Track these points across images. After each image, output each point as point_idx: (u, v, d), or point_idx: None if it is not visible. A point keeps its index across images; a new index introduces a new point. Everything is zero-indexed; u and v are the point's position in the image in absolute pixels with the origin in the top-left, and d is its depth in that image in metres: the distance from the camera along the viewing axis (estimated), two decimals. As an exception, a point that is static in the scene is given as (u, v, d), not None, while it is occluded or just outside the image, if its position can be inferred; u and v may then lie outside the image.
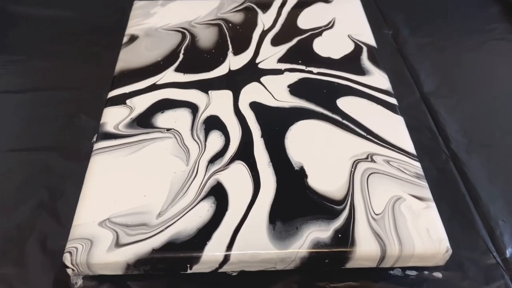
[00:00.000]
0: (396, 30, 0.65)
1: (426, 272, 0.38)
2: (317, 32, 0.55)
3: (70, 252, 0.34)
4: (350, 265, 0.35)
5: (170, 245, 0.34)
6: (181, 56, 0.51)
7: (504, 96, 0.55)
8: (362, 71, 0.50)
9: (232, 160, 0.40)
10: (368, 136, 0.42)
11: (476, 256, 0.39)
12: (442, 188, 0.45)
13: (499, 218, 0.42)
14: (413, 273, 0.38)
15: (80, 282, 0.37)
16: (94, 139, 0.47)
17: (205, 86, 0.48)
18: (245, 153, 0.41)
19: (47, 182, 0.45)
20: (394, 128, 0.44)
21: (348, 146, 0.42)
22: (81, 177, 0.41)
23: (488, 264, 0.39)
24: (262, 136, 0.42)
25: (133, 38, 0.53)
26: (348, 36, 0.54)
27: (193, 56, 0.51)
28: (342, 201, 0.37)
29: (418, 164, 0.40)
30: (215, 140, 0.42)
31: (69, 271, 0.35)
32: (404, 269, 0.38)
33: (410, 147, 0.42)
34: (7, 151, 0.47)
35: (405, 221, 0.36)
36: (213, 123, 0.44)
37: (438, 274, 0.38)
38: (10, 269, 0.38)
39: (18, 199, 0.43)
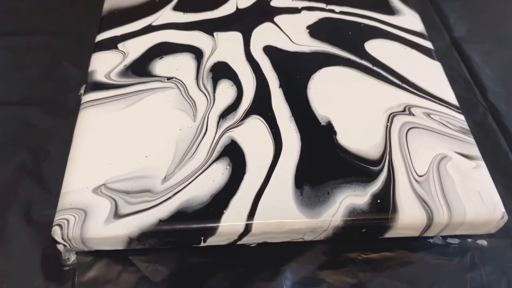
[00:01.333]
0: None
1: (469, 240, 0.33)
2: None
3: (60, 225, 0.28)
4: (389, 234, 0.30)
5: (180, 215, 0.29)
6: (179, -7, 0.43)
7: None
8: (391, 10, 0.43)
9: (247, 114, 0.34)
10: (404, 85, 0.37)
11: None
12: (481, 144, 0.39)
13: (546, 177, 0.38)
14: (455, 241, 0.33)
15: (73, 258, 0.31)
16: (82, 90, 0.41)
17: (209, 27, 0.40)
18: (262, 106, 0.35)
19: (29, 142, 0.38)
20: (432, 75, 0.38)
21: (381, 97, 0.36)
22: (68, 136, 0.35)
23: (539, 230, 0.34)
24: (281, 86, 0.36)
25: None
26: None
27: (193, -8, 0.44)
28: (378, 161, 0.32)
29: (462, 117, 0.35)
30: (226, 90, 0.36)
31: (59, 247, 0.29)
32: (445, 236, 0.33)
33: (452, 98, 0.36)
34: (-22, 105, 0.40)
35: (453, 183, 0.31)
36: (222, 71, 0.37)
37: (483, 242, 0.33)
38: (-12, 244, 0.32)
39: (-5, 161, 0.37)
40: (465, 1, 0.54)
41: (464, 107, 0.42)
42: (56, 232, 0.28)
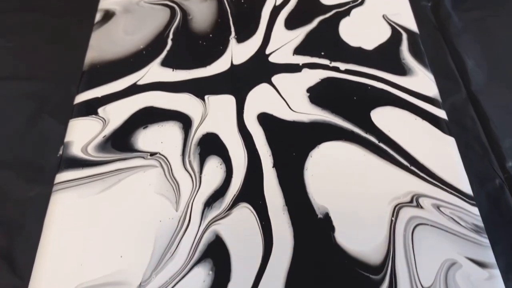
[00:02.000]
0: (436, 0, 0.53)
1: None
2: (344, 10, 0.43)
3: None
4: None
5: (155, 335, 0.26)
6: (169, 42, 0.40)
7: None
8: (402, 69, 0.39)
9: (235, 201, 0.31)
10: (412, 168, 0.33)
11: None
12: (497, 225, 0.36)
13: None
14: None
15: None
16: (61, 151, 0.37)
17: (200, 88, 0.37)
18: (252, 191, 0.31)
19: (1, 212, 0.35)
20: (444, 155, 0.34)
21: (387, 183, 0.32)
22: (44, 206, 0.32)
23: None
24: (274, 165, 0.33)
25: (107, 15, 0.42)
26: (383, 16, 0.42)
27: (185, 42, 0.40)
28: (380, 268, 0.28)
29: (476, 210, 0.31)
30: (213, 170, 0.32)
31: None
32: None
33: (465, 185, 0.32)
34: None
35: (463, 299, 0.27)
36: (211, 145, 0.34)
37: None
38: None
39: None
40: (485, 43, 0.49)
41: (478, 177, 0.39)
42: None
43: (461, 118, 0.43)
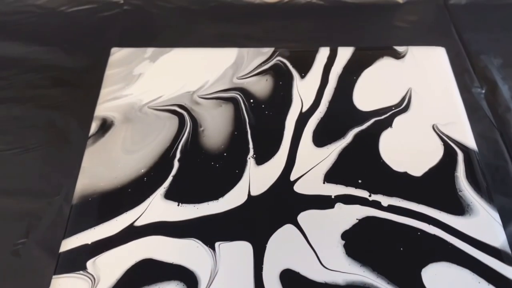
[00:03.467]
0: (492, 87, 0.45)
1: None
2: (385, 118, 0.36)
3: None
4: None
5: None
6: (176, 165, 0.33)
7: None
8: (459, 206, 0.31)
9: None
10: None
11: None
12: None
13: None
14: None
15: None
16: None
17: (210, 232, 0.30)
18: None
19: None
20: None
21: None
22: None
23: None
24: None
25: (105, 126, 0.36)
26: (433, 127, 0.35)
27: (194, 165, 0.33)
28: None
29: None
30: None
31: None
32: None
33: None
34: None
35: None
36: (222, 319, 0.27)
37: None
38: None
39: None
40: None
41: None
42: None
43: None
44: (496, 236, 0.30)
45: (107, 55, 0.41)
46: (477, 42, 0.48)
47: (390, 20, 0.50)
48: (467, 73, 0.46)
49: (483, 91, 0.45)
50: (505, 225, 0.31)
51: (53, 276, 0.29)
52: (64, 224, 0.31)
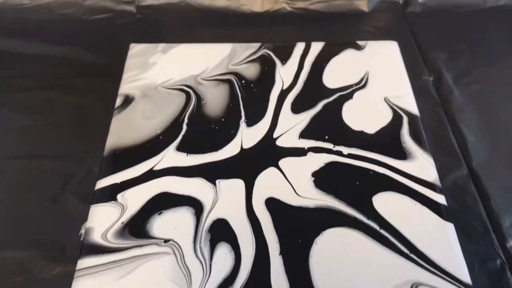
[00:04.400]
0: (438, 75, 0.55)
1: None
2: (347, 93, 0.46)
3: None
4: None
5: None
6: (184, 127, 0.43)
7: None
8: (402, 154, 0.41)
9: (244, 291, 0.33)
10: (412, 255, 0.34)
11: None
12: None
13: None
14: None
15: None
16: (82, 230, 0.40)
17: (212, 173, 0.39)
18: (259, 280, 0.33)
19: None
20: (443, 242, 0.35)
21: (388, 270, 0.34)
22: (66, 286, 0.34)
23: None
24: (281, 253, 0.34)
25: (127, 100, 0.45)
26: (385, 99, 0.45)
27: (199, 127, 0.43)
28: None
29: (475, 301, 0.32)
30: (223, 258, 0.34)
31: None
32: None
33: (464, 273, 0.34)
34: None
35: None
36: (221, 232, 0.36)
37: None
38: None
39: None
40: (486, 118, 0.51)
41: (478, 258, 0.40)
42: None
43: (462, 196, 0.44)
44: (429, 174, 0.40)
45: (122, 53, 0.50)
46: (427, 41, 0.59)
47: (357, 25, 0.61)
48: (419, 65, 0.56)
49: (431, 79, 0.55)
50: (437, 166, 0.40)
51: (91, 205, 0.38)
52: (94, 180, 0.40)
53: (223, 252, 0.35)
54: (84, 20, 0.61)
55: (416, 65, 0.56)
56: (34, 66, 0.56)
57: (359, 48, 0.50)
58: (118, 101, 0.45)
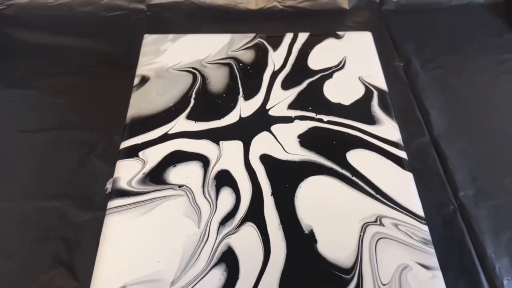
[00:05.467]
0: (407, 62, 0.65)
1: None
2: (328, 73, 0.54)
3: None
4: (357, 336, 0.36)
5: (184, 317, 0.35)
6: (192, 101, 0.51)
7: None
8: (372, 120, 0.50)
9: (243, 221, 0.41)
10: (377, 196, 0.43)
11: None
12: (449, 243, 0.46)
13: (505, 277, 0.43)
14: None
15: None
16: (107, 186, 0.48)
17: (216, 136, 0.48)
18: (255, 214, 0.42)
19: (63, 233, 0.46)
20: (403, 186, 0.44)
21: (357, 207, 0.42)
22: (95, 228, 0.42)
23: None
24: (272, 194, 0.43)
25: (144, 80, 0.54)
26: (359, 78, 0.54)
27: (204, 101, 0.51)
28: (350, 270, 0.38)
29: (426, 228, 0.41)
30: (226, 198, 0.43)
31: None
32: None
33: (419, 209, 0.42)
34: (24, 199, 0.49)
35: (412, 292, 0.37)
36: (224, 179, 0.44)
37: None
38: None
39: (35, 251, 0.44)
40: (446, 97, 0.60)
41: (436, 205, 0.49)
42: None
43: (425, 158, 0.53)
44: (394, 135, 0.48)
45: (135, 44, 0.59)
46: (400, 34, 0.68)
47: (339, 20, 0.70)
48: (391, 54, 0.66)
49: (401, 65, 0.64)
50: (404, 134, 0.49)
51: (117, 161, 0.46)
52: (116, 147, 0.48)
53: (226, 194, 0.43)
54: (102, 16, 0.70)
55: (389, 54, 0.65)
56: (59, 56, 0.64)
57: (338, 37, 0.59)
58: (136, 80, 0.54)
